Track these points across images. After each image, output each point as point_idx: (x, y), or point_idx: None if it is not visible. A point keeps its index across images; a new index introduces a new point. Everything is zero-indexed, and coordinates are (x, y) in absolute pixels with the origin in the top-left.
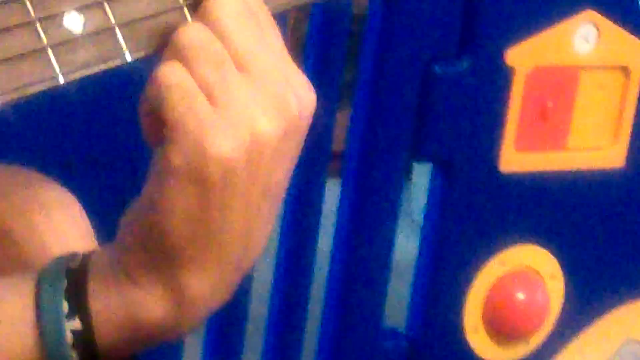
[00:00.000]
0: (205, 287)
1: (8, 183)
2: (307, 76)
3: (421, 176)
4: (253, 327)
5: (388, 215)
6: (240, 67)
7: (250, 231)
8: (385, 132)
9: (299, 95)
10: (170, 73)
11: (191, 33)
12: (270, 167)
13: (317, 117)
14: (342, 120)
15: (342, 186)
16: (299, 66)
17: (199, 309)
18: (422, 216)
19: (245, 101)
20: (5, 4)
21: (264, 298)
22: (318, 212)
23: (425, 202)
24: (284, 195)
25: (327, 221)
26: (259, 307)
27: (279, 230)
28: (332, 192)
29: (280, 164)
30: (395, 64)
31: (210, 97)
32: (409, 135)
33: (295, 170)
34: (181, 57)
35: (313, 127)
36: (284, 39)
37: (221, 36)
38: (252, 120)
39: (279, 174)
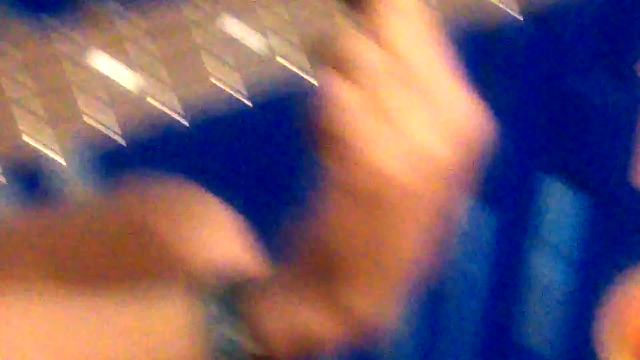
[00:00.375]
0: (372, 305)
1: (170, 198)
2: None
3: (554, 192)
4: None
5: (522, 233)
6: (414, 84)
7: (418, 249)
8: (518, 145)
9: (470, 117)
10: (341, 88)
11: (364, 51)
12: (439, 186)
13: None
14: None
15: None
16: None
17: (367, 326)
18: (557, 234)
19: (414, 117)
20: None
21: None
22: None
23: (558, 219)
24: (458, 219)
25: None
26: None
27: None
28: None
29: (450, 183)
30: (533, 80)
31: (381, 113)
32: (542, 150)
33: None
34: (354, 74)
35: None
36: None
37: (394, 55)
38: (421, 138)
39: (449, 192)
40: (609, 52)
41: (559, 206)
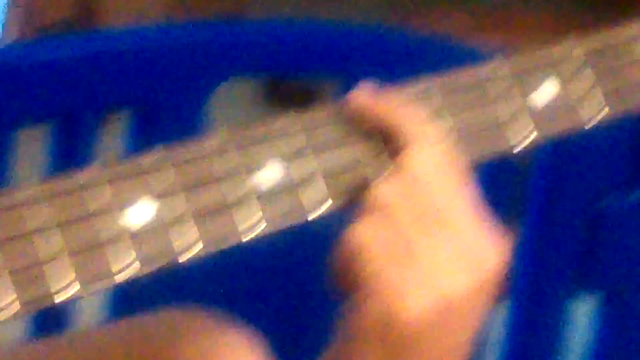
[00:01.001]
0: None
1: (191, 328)
2: None
3: (588, 309)
4: None
5: (554, 341)
6: (437, 223)
7: None
8: (553, 264)
9: (493, 253)
10: (365, 230)
11: (387, 189)
12: (460, 325)
13: None
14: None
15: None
16: None
17: None
18: (588, 346)
19: (439, 261)
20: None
21: None
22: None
23: (593, 331)
24: (470, 352)
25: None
26: None
27: None
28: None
29: (470, 321)
30: (565, 196)
31: (404, 253)
32: (576, 268)
33: None
34: (376, 214)
35: None
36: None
37: (416, 192)
38: (445, 280)
39: (468, 332)
40: (634, 170)
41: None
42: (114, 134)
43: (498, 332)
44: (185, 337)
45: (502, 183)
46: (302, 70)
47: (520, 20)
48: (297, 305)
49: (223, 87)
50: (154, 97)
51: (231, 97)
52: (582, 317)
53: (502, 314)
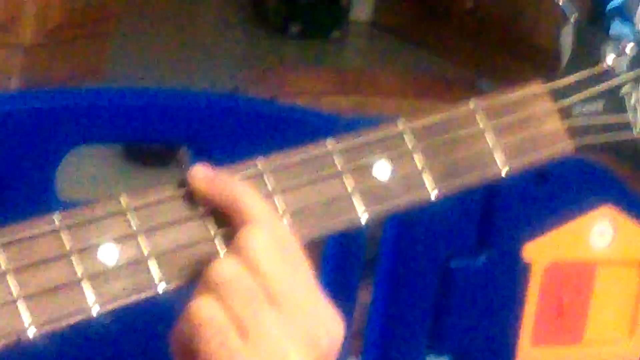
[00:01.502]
0: None
1: None
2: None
3: None
4: None
5: None
6: (271, 300)
7: None
8: (403, 323)
9: (328, 328)
10: (203, 307)
11: (223, 268)
12: None
13: (338, 298)
14: (362, 301)
15: None
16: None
17: None
18: None
19: (276, 336)
20: (39, 236)
21: None
22: None
23: None
24: None
25: None
26: None
27: None
28: None
29: None
30: (414, 258)
31: (242, 332)
32: (426, 328)
33: None
34: (213, 292)
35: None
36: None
37: (253, 271)
38: (284, 355)
39: None
40: (491, 234)
41: None
42: None
43: None
44: None
45: (353, 246)
46: (153, 138)
47: (371, 83)
48: None
49: (77, 149)
50: (2, 166)
51: (88, 157)
52: None
53: None
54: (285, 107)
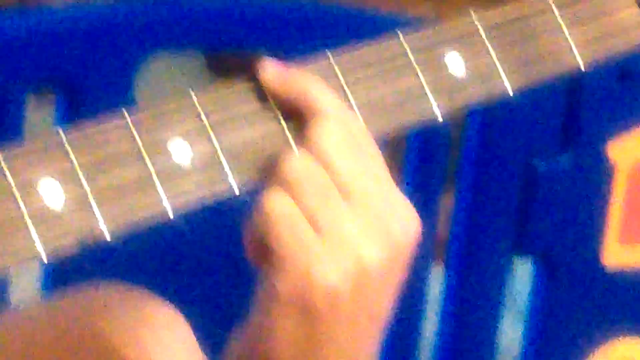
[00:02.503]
0: None
1: (119, 303)
2: (409, 185)
3: (524, 269)
4: None
5: (492, 304)
6: (345, 195)
7: (357, 356)
8: (487, 226)
9: (403, 222)
10: (275, 202)
11: (295, 162)
12: (376, 293)
13: (421, 205)
14: (446, 206)
15: (446, 273)
16: (399, 184)
17: None
18: (526, 307)
19: (350, 230)
20: (109, 132)
21: None
22: (422, 296)
23: (528, 293)
24: (389, 318)
25: (431, 306)
26: None
27: None
28: (436, 278)
29: (385, 289)
30: (497, 159)
31: (315, 226)
32: (511, 230)
33: None
34: (286, 186)
35: (418, 213)
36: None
37: (325, 164)
38: (358, 248)
39: (385, 299)
40: (575, 133)
41: (528, 279)
42: (43, 111)
43: (437, 295)
44: (111, 312)
45: (435, 149)
46: (232, 45)
47: None
48: (216, 278)
49: (159, 60)
50: (83, 74)
51: (169, 70)
52: (517, 279)
53: (439, 278)
54: (365, 12)
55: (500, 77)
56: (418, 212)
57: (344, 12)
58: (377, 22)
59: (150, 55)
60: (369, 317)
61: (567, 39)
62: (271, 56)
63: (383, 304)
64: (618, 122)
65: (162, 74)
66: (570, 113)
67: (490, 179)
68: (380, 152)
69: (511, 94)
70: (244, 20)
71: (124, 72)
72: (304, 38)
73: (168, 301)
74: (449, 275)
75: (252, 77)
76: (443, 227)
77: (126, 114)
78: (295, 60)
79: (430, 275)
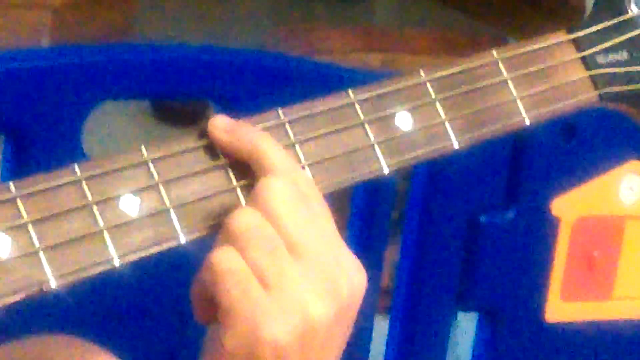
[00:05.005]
0: None
1: (65, 354)
2: (354, 237)
3: (467, 324)
4: None
5: (435, 358)
6: (292, 251)
7: None
8: (432, 280)
9: (350, 277)
10: (224, 258)
11: (243, 218)
12: (322, 348)
13: (366, 257)
14: (391, 258)
15: (390, 325)
16: (344, 236)
17: None
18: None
19: (297, 285)
20: (60, 187)
21: None
22: (366, 349)
23: (472, 347)
24: None
25: (375, 359)
26: None
27: None
28: (380, 330)
29: (332, 344)
30: (442, 212)
31: (263, 281)
32: (455, 284)
33: None
34: (234, 242)
35: (363, 264)
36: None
37: (273, 220)
38: (305, 304)
39: (331, 353)
40: (520, 188)
41: (471, 334)
42: None
43: (381, 347)
44: None
45: (380, 202)
46: (180, 94)
47: (400, 41)
48: (164, 329)
49: (107, 107)
50: (30, 119)
51: (116, 116)
52: (461, 333)
53: (383, 331)
54: (313, 63)
55: (448, 134)
56: (363, 263)
57: (293, 62)
58: (326, 73)
59: (99, 103)
60: None
61: (514, 97)
62: (218, 106)
63: (330, 356)
64: (562, 178)
65: (110, 120)
66: (515, 168)
67: (435, 233)
68: (328, 207)
69: (457, 149)
70: (191, 69)
71: (72, 119)
72: (251, 88)
73: (113, 353)
74: (393, 328)
75: (203, 132)
76: (388, 279)
77: (77, 169)
78: (245, 115)
79: (374, 327)
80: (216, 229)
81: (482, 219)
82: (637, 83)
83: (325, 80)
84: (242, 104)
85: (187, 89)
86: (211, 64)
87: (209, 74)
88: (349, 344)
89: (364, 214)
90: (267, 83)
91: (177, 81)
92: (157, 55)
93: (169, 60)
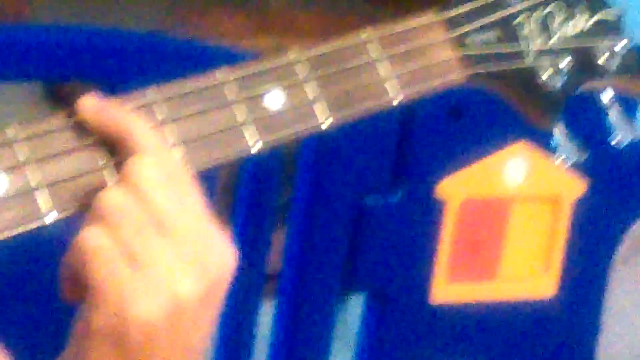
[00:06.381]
0: None
1: None
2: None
3: (355, 304)
4: None
5: (322, 340)
6: (160, 230)
7: None
8: (319, 263)
9: (218, 256)
10: (92, 237)
11: (112, 197)
12: (191, 327)
13: (251, 240)
14: (278, 242)
15: (277, 309)
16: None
17: None
18: (357, 343)
19: (165, 264)
20: None
21: None
22: (252, 332)
23: (359, 328)
24: (205, 351)
25: (261, 342)
26: None
27: (213, 350)
28: (267, 313)
29: (201, 322)
30: (328, 195)
31: (130, 260)
32: (342, 266)
33: (230, 289)
34: (102, 221)
35: (248, 249)
36: (213, 198)
37: (141, 199)
38: (173, 283)
39: (200, 332)
40: (406, 171)
41: (359, 315)
42: None
43: (267, 329)
44: None
45: (266, 186)
46: (70, 75)
47: (291, 24)
48: (34, 310)
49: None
50: None
51: (6, 97)
52: (349, 315)
53: (270, 314)
54: (202, 46)
55: (314, 113)
56: (249, 247)
57: (182, 44)
58: (215, 55)
59: None
60: (185, 350)
61: (383, 77)
62: (103, 86)
63: (199, 337)
64: (448, 160)
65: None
66: (401, 151)
67: (321, 215)
68: (197, 187)
69: (324, 129)
70: (82, 51)
71: None
72: (140, 70)
73: None
74: (279, 311)
75: (72, 112)
76: (273, 263)
77: None
78: (118, 95)
79: (262, 312)
80: (85, 208)
81: (369, 201)
82: (505, 62)
83: (213, 63)
84: (131, 86)
85: (77, 70)
86: (100, 46)
87: (98, 55)
88: (234, 329)
89: (250, 198)
90: (155, 66)
91: (67, 62)
92: (49, 37)
93: (60, 42)
